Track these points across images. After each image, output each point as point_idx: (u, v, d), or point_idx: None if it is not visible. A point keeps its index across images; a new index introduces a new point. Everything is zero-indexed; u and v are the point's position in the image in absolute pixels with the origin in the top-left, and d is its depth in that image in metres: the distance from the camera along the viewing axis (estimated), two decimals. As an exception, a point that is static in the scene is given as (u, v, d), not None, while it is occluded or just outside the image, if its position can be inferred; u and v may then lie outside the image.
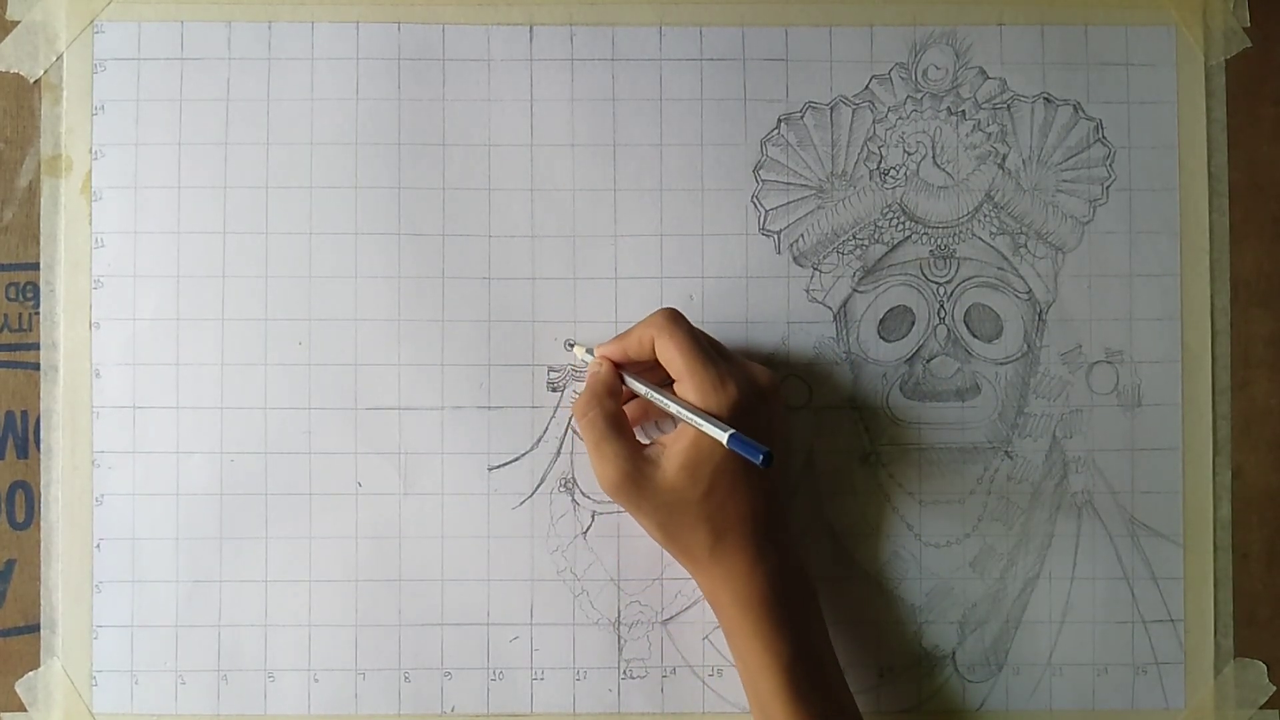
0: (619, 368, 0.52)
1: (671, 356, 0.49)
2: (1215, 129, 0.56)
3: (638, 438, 0.51)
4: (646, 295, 0.56)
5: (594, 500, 0.56)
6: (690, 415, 0.48)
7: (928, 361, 0.56)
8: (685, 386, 0.49)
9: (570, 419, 0.56)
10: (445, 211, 0.56)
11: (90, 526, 0.55)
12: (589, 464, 0.55)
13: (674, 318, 0.50)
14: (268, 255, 0.55)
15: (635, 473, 0.49)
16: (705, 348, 0.50)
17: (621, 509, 0.52)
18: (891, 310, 0.56)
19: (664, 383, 0.51)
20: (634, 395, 0.53)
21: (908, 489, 0.56)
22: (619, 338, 0.52)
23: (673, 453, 0.49)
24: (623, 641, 0.56)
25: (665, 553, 0.55)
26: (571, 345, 0.55)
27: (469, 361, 0.56)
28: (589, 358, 0.54)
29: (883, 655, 0.56)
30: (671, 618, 0.56)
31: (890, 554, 0.56)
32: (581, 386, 0.56)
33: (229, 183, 0.55)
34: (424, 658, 0.55)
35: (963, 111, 0.56)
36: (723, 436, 0.46)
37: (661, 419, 0.55)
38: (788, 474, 0.56)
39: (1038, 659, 0.56)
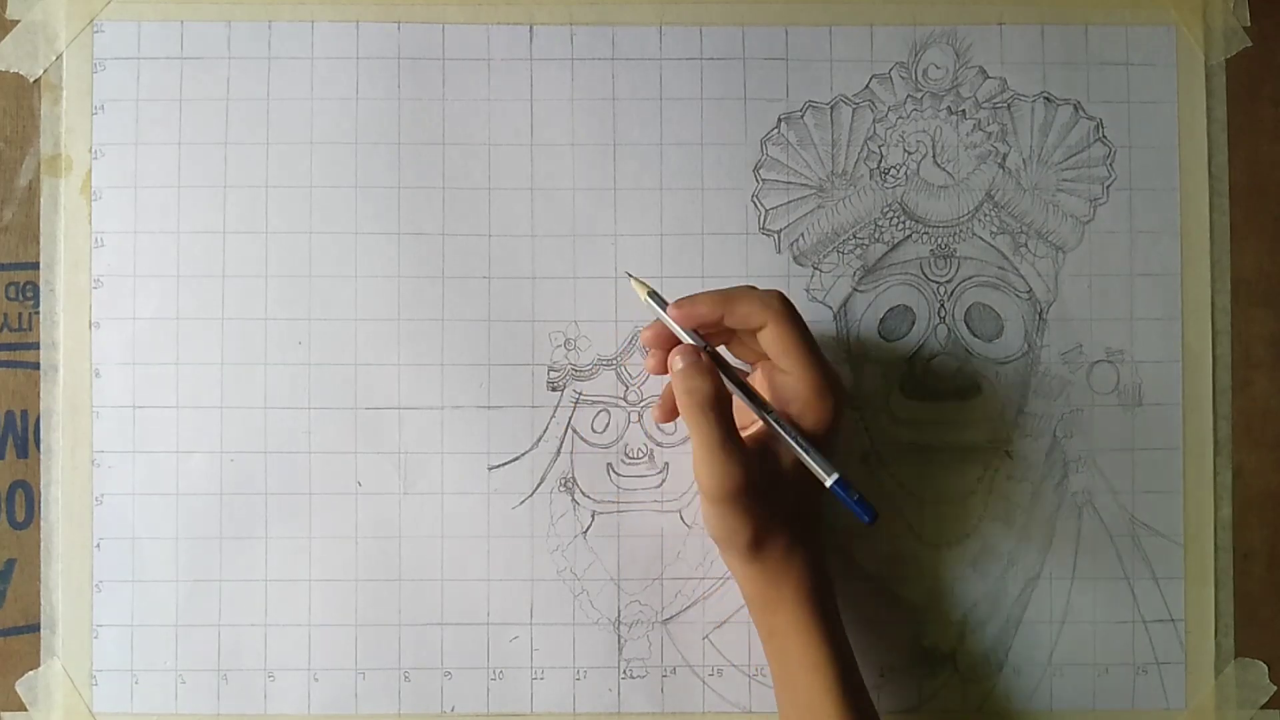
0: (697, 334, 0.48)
1: (787, 347, 0.46)
2: (1215, 129, 0.56)
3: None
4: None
5: (594, 500, 0.56)
6: (800, 448, 0.46)
7: (928, 361, 0.56)
8: (794, 380, 0.47)
9: (571, 416, 0.55)
10: (445, 211, 0.56)
11: (90, 526, 0.55)
12: (588, 465, 0.55)
13: (791, 306, 0.47)
14: (268, 255, 0.55)
15: (756, 477, 0.45)
16: (816, 345, 0.47)
17: (714, 519, 0.47)
18: (892, 309, 0.56)
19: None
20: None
21: (908, 488, 0.56)
22: (710, 299, 0.47)
23: (782, 453, 0.47)
24: (623, 641, 0.56)
25: (666, 552, 0.55)
26: (632, 275, 0.51)
27: (469, 361, 0.56)
28: (657, 306, 0.49)
29: (883, 655, 0.56)
30: (671, 617, 0.56)
31: (890, 554, 0.56)
32: (582, 385, 0.56)
33: (229, 182, 0.55)
34: (424, 657, 0.55)
35: (963, 111, 0.56)
36: (828, 480, 0.46)
37: None
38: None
39: (1038, 659, 0.56)
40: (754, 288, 0.48)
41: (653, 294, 0.49)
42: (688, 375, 0.46)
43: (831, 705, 0.47)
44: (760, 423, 0.48)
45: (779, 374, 0.48)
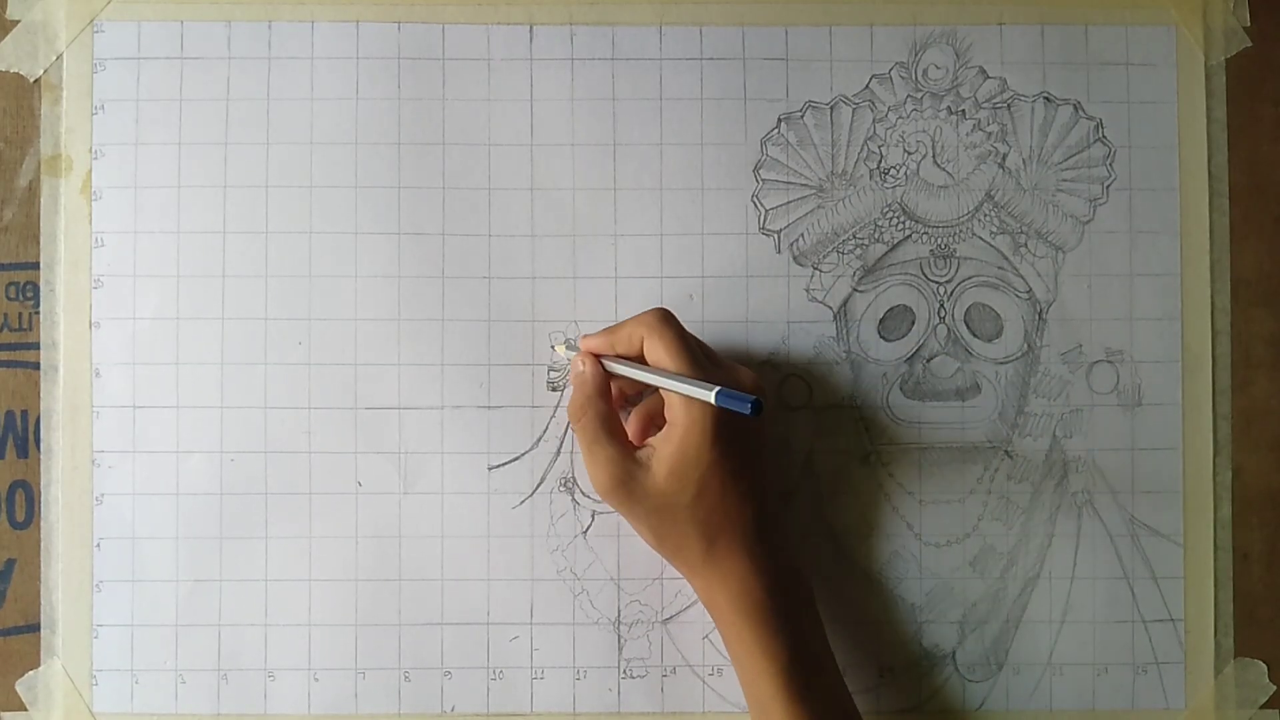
0: (599, 358, 0.52)
1: (660, 357, 0.49)
2: (1215, 129, 0.56)
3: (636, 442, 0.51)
4: (646, 295, 0.56)
5: (594, 500, 0.56)
6: (673, 381, 0.48)
7: (928, 361, 0.56)
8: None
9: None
10: (445, 211, 0.56)
11: (90, 526, 0.55)
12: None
13: (665, 318, 0.50)
14: (268, 255, 0.55)
15: (626, 476, 0.49)
16: (695, 350, 0.49)
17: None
18: (891, 310, 0.56)
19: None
20: (624, 397, 0.53)
21: (908, 488, 0.56)
22: (606, 331, 0.52)
23: (661, 456, 0.49)
24: (623, 641, 0.56)
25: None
26: (555, 345, 0.55)
27: (469, 361, 0.56)
28: (570, 353, 0.54)
29: (883, 655, 0.56)
30: (671, 617, 0.56)
31: (890, 554, 0.56)
32: (581, 386, 0.56)
33: (229, 182, 0.56)
34: (424, 657, 0.55)
35: (963, 111, 0.56)
36: (709, 395, 0.46)
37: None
38: (781, 475, 0.56)
39: (1038, 659, 0.56)
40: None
41: (569, 345, 0.55)
42: (573, 393, 0.52)
43: (782, 708, 0.48)
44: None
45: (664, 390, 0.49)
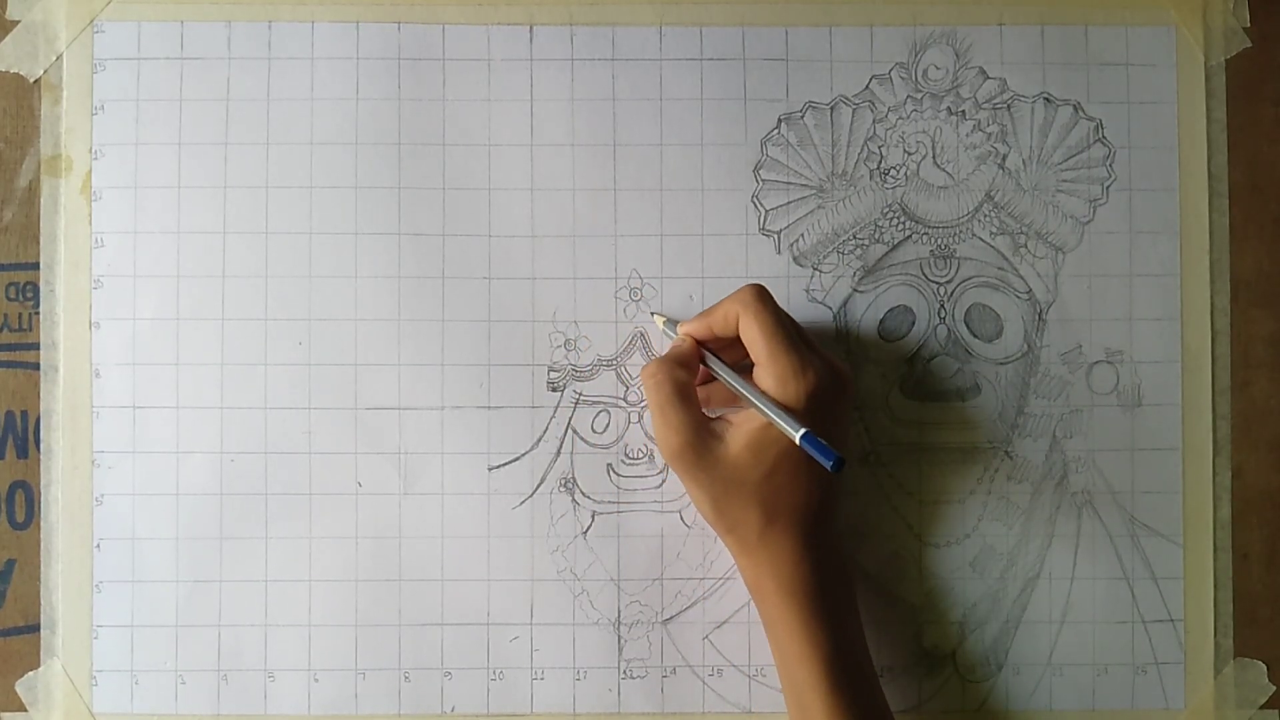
0: (701, 345, 0.52)
1: (754, 337, 0.49)
2: (1215, 129, 0.56)
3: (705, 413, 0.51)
4: (646, 295, 0.56)
5: (594, 500, 0.56)
6: (766, 408, 0.47)
7: (928, 361, 0.56)
8: (764, 370, 0.48)
9: (571, 416, 0.56)
10: (445, 211, 0.56)
11: (90, 526, 0.55)
12: (589, 466, 0.55)
13: (760, 295, 0.49)
14: (268, 255, 0.55)
15: (698, 443, 0.49)
16: (789, 330, 0.49)
17: (679, 480, 0.52)
18: (892, 310, 0.56)
19: (743, 366, 0.51)
20: (709, 379, 0.53)
21: (907, 489, 0.56)
22: (704, 314, 0.51)
23: (741, 431, 0.48)
24: (623, 641, 0.56)
25: (666, 552, 0.55)
26: (655, 315, 0.55)
27: (469, 361, 0.56)
28: (670, 331, 0.53)
29: (883, 655, 0.56)
30: (671, 618, 0.56)
31: (890, 554, 0.56)
32: (582, 386, 0.56)
33: (229, 182, 0.56)
34: (424, 658, 0.55)
35: (963, 111, 0.56)
36: (795, 435, 0.46)
37: (735, 405, 0.54)
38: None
39: (1038, 659, 0.56)
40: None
41: (668, 322, 0.54)
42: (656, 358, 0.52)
43: (820, 699, 0.48)
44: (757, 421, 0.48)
45: (759, 369, 0.49)
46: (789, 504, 0.49)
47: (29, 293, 0.55)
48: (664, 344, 0.55)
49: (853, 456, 0.56)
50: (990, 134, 0.56)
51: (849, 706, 0.48)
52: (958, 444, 0.56)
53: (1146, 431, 0.56)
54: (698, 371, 0.52)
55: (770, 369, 0.48)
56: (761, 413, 0.48)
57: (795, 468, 0.48)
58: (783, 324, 0.49)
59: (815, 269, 0.56)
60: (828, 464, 0.45)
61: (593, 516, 0.56)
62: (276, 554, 0.55)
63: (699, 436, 0.49)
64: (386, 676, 0.55)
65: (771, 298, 0.50)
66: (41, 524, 0.55)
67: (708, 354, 0.51)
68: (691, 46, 0.56)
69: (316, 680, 0.55)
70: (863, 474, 0.56)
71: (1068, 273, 0.56)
